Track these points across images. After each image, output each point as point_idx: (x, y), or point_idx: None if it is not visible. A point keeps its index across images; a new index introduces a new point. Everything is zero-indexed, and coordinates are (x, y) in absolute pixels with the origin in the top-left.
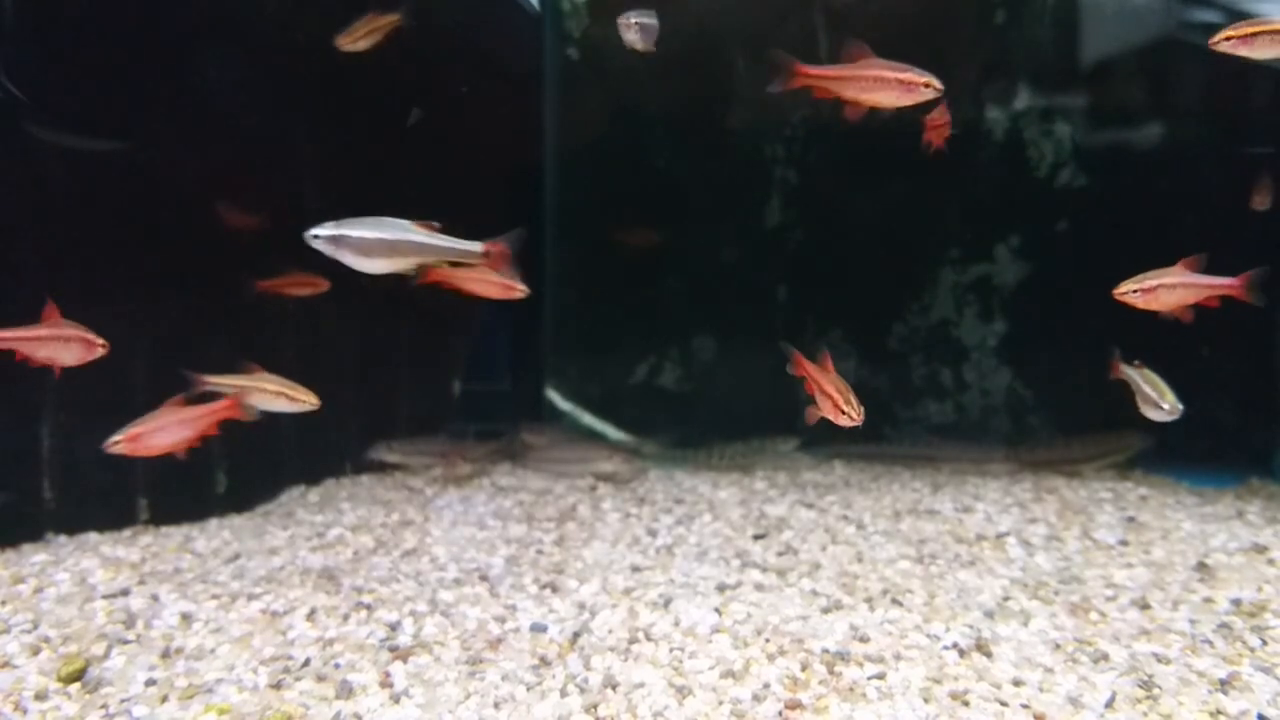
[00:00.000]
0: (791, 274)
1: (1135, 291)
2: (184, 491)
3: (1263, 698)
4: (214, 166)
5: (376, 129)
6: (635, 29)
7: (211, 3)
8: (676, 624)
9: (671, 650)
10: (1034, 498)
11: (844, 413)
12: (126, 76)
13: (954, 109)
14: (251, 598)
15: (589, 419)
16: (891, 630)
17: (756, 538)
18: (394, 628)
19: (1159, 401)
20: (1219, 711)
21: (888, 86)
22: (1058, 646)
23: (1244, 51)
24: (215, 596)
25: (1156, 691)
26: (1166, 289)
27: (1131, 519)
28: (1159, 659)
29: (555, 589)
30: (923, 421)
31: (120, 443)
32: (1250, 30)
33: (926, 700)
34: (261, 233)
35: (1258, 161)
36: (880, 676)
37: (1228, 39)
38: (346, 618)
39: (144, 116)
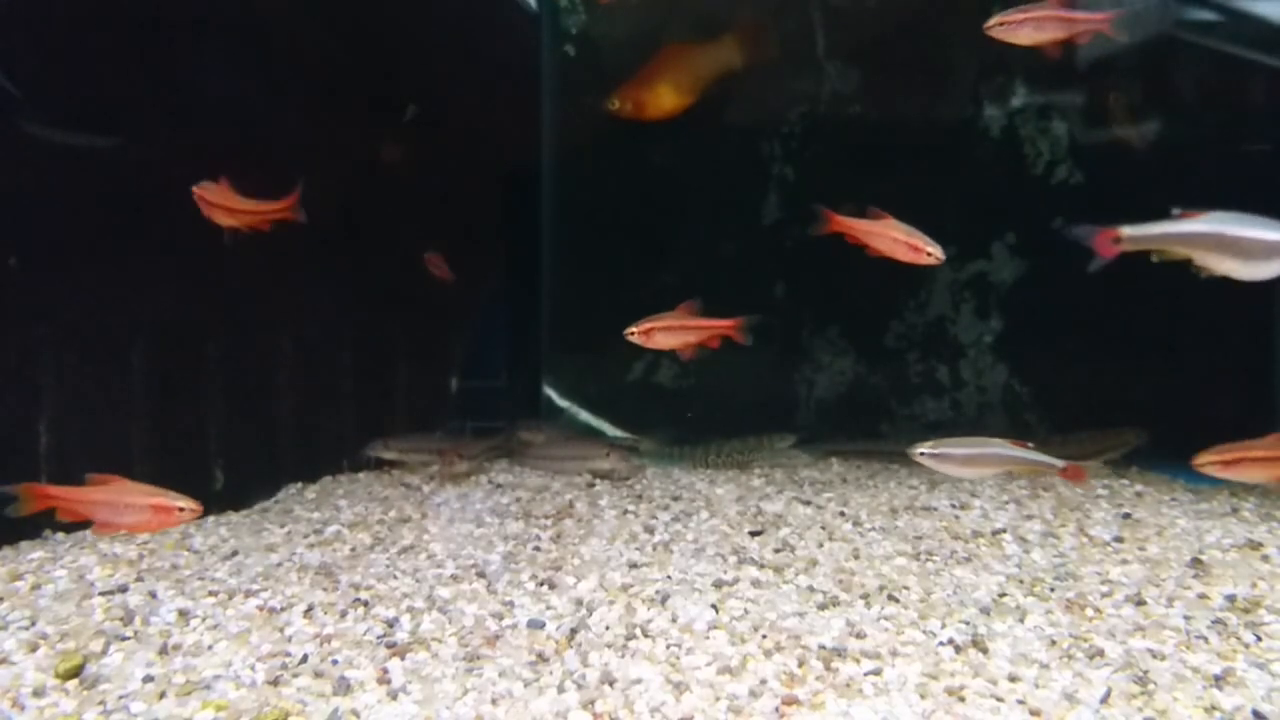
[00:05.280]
0: (788, 271)
1: None
2: (181, 489)
3: (1257, 693)
4: (209, 161)
5: (374, 126)
6: None
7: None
8: (674, 620)
9: (669, 646)
10: (1030, 494)
11: (928, 253)
12: (122, 69)
13: (951, 107)
14: (249, 594)
15: (586, 416)
16: (888, 626)
17: (753, 534)
18: (391, 624)
19: None
20: (1214, 707)
21: None
22: (1053, 643)
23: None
24: (213, 593)
25: (1151, 687)
26: None
27: (1127, 516)
28: (1154, 655)
29: (553, 585)
30: (919, 419)
31: None
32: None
33: (923, 696)
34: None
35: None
36: (876, 672)
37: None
38: (344, 614)
39: (140, 111)
